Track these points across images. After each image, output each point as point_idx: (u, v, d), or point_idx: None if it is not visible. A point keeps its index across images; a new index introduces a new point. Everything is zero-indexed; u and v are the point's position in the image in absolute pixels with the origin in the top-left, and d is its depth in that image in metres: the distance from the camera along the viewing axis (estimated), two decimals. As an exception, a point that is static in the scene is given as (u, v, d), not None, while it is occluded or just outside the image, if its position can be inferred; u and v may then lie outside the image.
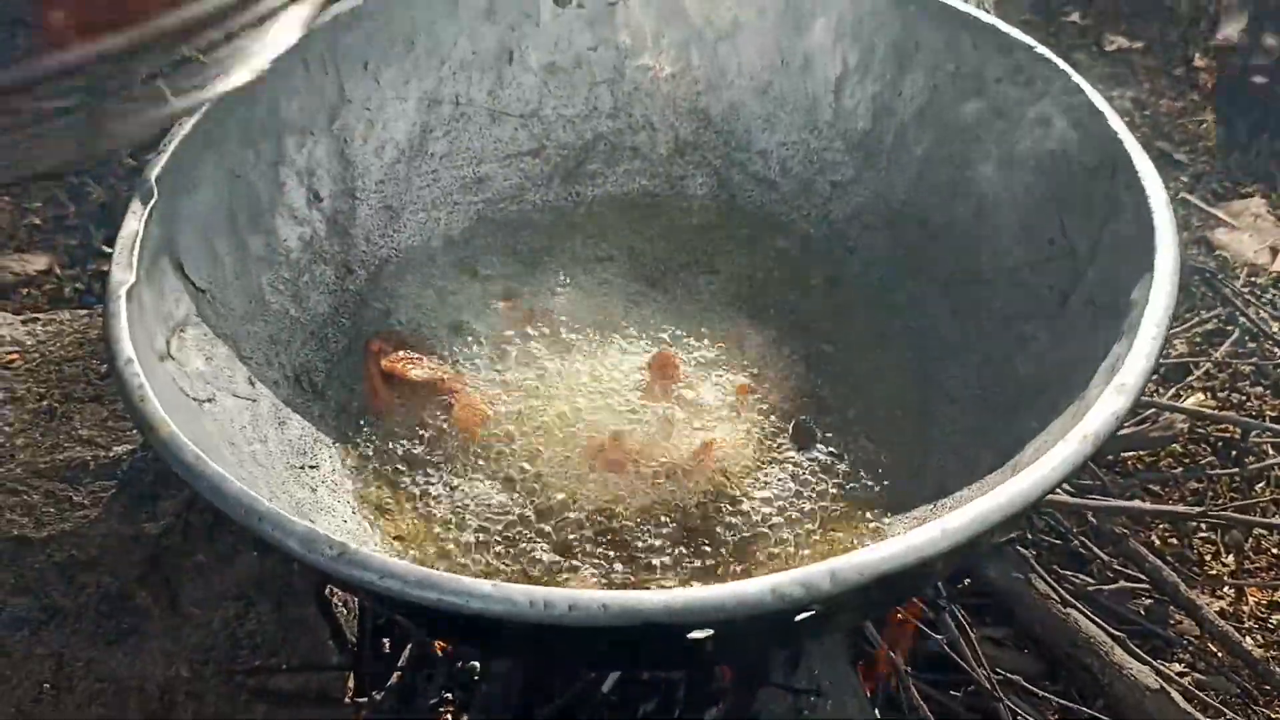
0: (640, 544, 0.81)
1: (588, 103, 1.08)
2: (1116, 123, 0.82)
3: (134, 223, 0.77)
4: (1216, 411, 1.19)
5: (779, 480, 0.85)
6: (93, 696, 0.86)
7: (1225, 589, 1.11)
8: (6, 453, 0.83)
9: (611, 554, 0.80)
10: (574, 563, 0.80)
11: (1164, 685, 0.95)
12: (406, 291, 0.99)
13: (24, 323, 0.93)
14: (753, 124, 1.07)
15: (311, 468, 0.85)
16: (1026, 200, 0.91)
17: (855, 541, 0.81)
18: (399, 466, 0.86)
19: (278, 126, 0.93)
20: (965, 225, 0.96)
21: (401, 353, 0.91)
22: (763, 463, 0.86)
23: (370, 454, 0.87)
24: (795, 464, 0.86)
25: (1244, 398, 1.26)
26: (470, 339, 0.95)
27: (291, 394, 0.88)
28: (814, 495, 0.85)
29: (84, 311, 0.95)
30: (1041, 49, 0.90)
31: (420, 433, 0.88)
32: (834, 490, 0.85)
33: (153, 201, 0.78)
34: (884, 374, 0.95)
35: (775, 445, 0.88)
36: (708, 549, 0.81)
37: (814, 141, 1.06)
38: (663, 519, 0.82)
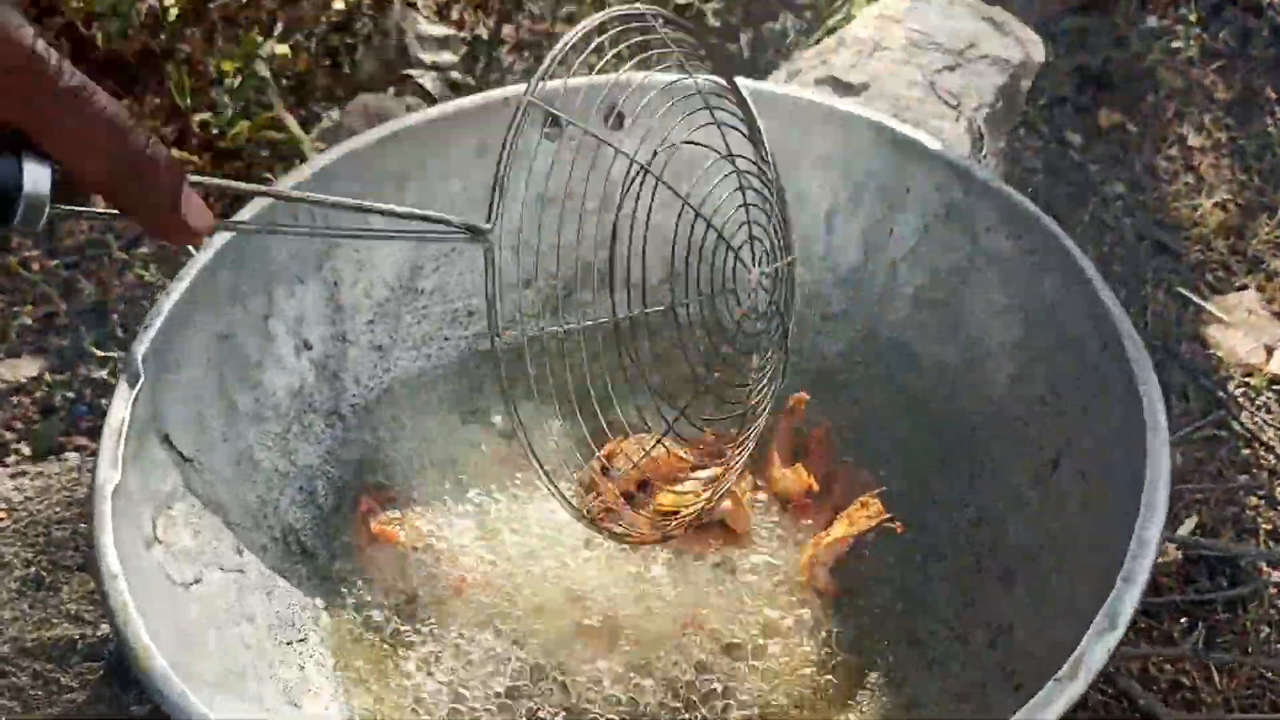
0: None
1: (579, 233, 1.07)
2: (1107, 295, 0.82)
3: (121, 409, 0.76)
4: (1208, 540, 1.19)
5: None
6: None
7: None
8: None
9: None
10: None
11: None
12: (396, 435, 0.99)
13: (11, 477, 0.92)
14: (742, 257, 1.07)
15: (300, 641, 0.84)
16: (1017, 354, 0.91)
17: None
18: (384, 638, 0.85)
19: (267, 278, 0.92)
20: (957, 369, 0.96)
21: (389, 513, 0.91)
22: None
23: (358, 621, 0.86)
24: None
25: (1239, 509, 1.26)
26: (460, 488, 0.94)
27: (280, 559, 0.88)
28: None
29: (73, 463, 0.95)
30: (1027, 204, 0.89)
31: (407, 598, 0.87)
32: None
33: (140, 384, 0.78)
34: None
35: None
36: None
37: (805, 275, 1.05)
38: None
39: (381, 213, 0.70)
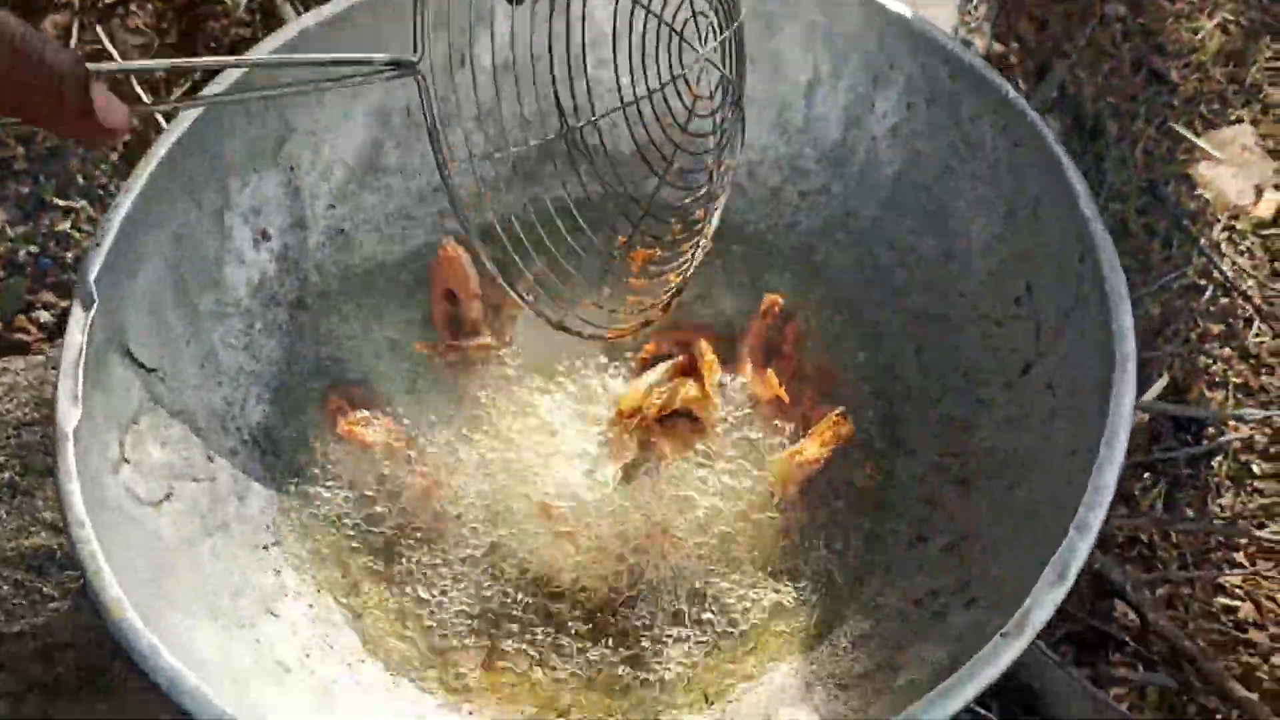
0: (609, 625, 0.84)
1: (546, 101, 1.02)
2: (1089, 207, 0.79)
3: (77, 335, 0.75)
4: (1174, 406, 1.19)
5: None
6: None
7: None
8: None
9: (560, 640, 0.83)
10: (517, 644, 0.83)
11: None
12: (364, 325, 0.97)
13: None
14: (720, 124, 1.02)
15: (275, 544, 0.86)
16: (996, 251, 0.89)
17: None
18: (355, 540, 0.87)
19: (221, 172, 0.88)
20: (934, 259, 0.94)
21: (358, 413, 0.90)
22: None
23: (329, 523, 0.87)
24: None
25: (1210, 361, 1.27)
26: (431, 384, 0.94)
27: (249, 461, 0.88)
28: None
29: (38, 361, 0.94)
30: (1015, 97, 0.85)
31: (377, 498, 0.88)
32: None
33: (94, 307, 0.76)
34: (844, 404, 0.94)
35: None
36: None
37: (783, 146, 1.01)
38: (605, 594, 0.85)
39: (306, 64, 0.66)
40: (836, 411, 0.87)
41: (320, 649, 0.81)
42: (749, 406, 0.91)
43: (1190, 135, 1.43)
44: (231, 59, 0.68)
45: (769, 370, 0.91)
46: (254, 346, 0.92)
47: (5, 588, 0.82)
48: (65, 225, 1.30)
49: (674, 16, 0.75)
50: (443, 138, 0.70)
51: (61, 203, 1.31)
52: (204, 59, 0.81)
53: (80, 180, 1.33)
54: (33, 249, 1.28)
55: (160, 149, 0.82)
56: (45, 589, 0.83)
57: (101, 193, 1.32)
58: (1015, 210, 0.87)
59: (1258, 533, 1.17)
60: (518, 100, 0.81)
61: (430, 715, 0.80)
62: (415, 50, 0.67)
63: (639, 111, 0.77)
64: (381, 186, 0.99)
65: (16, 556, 0.83)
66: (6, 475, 0.86)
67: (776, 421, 0.90)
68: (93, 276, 0.77)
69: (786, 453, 0.87)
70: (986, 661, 0.62)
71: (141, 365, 0.82)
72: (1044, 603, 0.64)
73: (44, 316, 1.25)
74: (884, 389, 0.94)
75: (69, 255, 1.28)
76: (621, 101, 0.77)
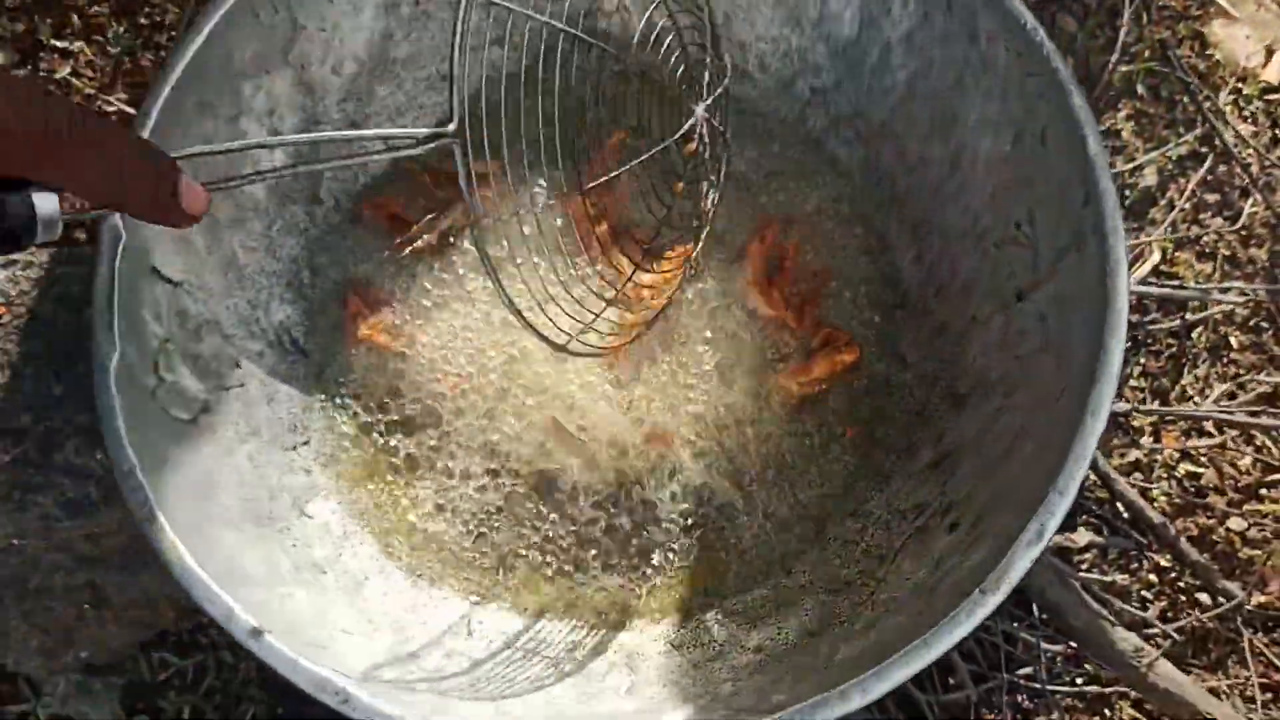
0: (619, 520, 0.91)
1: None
2: (1096, 148, 0.81)
3: (107, 268, 0.77)
4: (1158, 288, 1.22)
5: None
6: (128, 606, 0.99)
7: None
8: (18, 429, 0.89)
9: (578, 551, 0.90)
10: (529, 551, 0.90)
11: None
12: (378, 216, 0.99)
13: (3, 266, 0.93)
14: (733, 12, 1.01)
15: (303, 444, 0.91)
16: (1001, 171, 0.90)
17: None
18: (376, 440, 0.92)
19: (233, 79, 0.88)
20: (940, 170, 0.96)
21: (375, 316, 0.94)
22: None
23: (352, 424, 0.93)
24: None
25: (1203, 231, 1.29)
26: (445, 284, 0.97)
27: (275, 361, 0.92)
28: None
29: (63, 256, 0.95)
30: (1037, 32, 0.84)
31: (394, 396, 0.93)
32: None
33: (122, 240, 0.78)
34: (843, 310, 0.98)
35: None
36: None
37: (796, 39, 1.00)
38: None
39: (348, 139, 0.68)
40: (844, 339, 0.91)
41: (351, 547, 0.88)
42: (753, 318, 0.95)
43: (1209, -13, 1.39)
44: (289, 138, 0.70)
45: (773, 290, 0.94)
46: (273, 246, 0.94)
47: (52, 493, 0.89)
48: (65, 70, 1.28)
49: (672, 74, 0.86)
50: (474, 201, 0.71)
51: (60, 44, 1.29)
52: (266, 139, 0.84)
53: (77, 21, 1.30)
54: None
55: (172, 72, 0.82)
56: (90, 489, 0.89)
57: (100, 38, 1.29)
58: (1023, 135, 0.88)
59: (1227, 409, 1.24)
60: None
61: (456, 608, 0.88)
62: (451, 117, 0.68)
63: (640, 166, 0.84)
64: (391, 77, 0.99)
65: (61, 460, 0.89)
66: (42, 374, 0.90)
67: (781, 337, 0.95)
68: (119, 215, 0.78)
69: (790, 370, 0.92)
70: (967, 614, 0.69)
71: (168, 280, 0.85)
72: (1021, 562, 0.70)
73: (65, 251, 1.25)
74: (881, 295, 0.98)
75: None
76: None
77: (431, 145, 0.68)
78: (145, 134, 0.80)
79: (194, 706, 1.07)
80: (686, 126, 0.84)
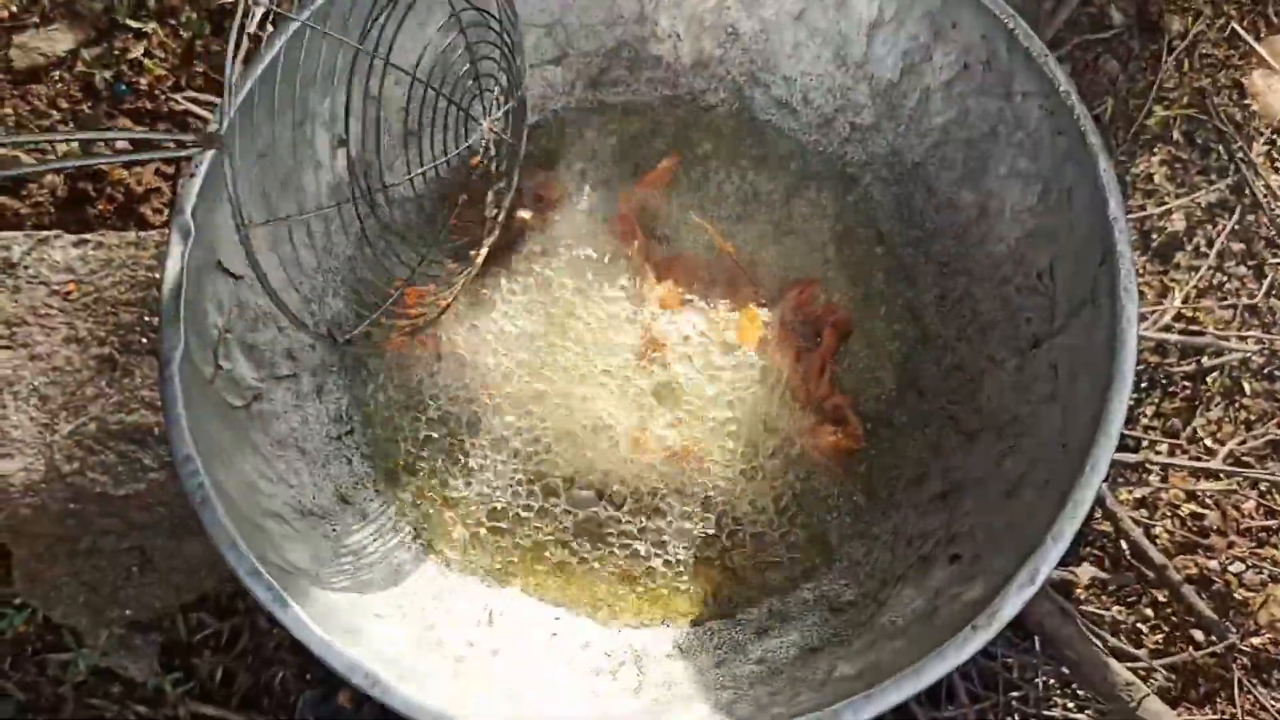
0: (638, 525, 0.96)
1: (611, 11, 1.05)
2: (1117, 212, 0.84)
3: (177, 263, 0.83)
4: (1174, 337, 1.26)
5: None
6: (172, 571, 1.05)
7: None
8: (79, 403, 0.95)
9: (598, 543, 0.95)
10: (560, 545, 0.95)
11: None
12: (429, 216, 1.04)
13: (75, 245, 0.99)
14: (781, 47, 1.05)
15: (348, 434, 0.97)
16: (1026, 222, 0.95)
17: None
18: (416, 428, 0.98)
19: (302, 89, 0.93)
20: (969, 214, 1.00)
21: (421, 310, 0.99)
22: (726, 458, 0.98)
23: (393, 417, 0.98)
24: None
25: (1225, 279, 1.32)
26: (489, 287, 1.02)
27: (326, 353, 0.98)
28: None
29: (131, 238, 1.01)
30: (1070, 96, 0.88)
31: (433, 393, 0.98)
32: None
33: (190, 238, 0.83)
34: (870, 333, 1.03)
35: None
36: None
37: (840, 77, 1.04)
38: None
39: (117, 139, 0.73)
40: (851, 424, 0.96)
41: (387, 536, 0.94)
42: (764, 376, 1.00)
43: (1250, 39, 1.42)
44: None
45: (800, 362, 0.99)
46: (330, 244, 0.99)
47: (112, 456, 0.94)
48: (138, 51, 1.34)
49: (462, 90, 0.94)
50: (238, 203, 0.76)
51: (134, 24, 1.34)
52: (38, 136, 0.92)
53: (153, 3, 1.35)
54: (108, 75, 1.33)
55: (247, 82, 0.87)
56: (145, 460, 0.95)
57: (173, 20, 1.35)
58: (1049, 190, 0.92)
59: (1238, 452, 1.27)
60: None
61: (479, 598, 0.93)
62: (220, 126, 0.73)
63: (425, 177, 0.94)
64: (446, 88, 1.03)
65: (120, 431, 0.94)
66: (107, 350, 0.96)
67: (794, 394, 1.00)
68: (190, 208, 0.84)
69: (798, 429, 0.97)
70: (957, 648, 0.74)
71: (231, 274, 0.90)
72: (1013, 602, 0.75)
73: (119, 143, 1.31)
74: (903, 331, 1.02)
75: (143, 82, 1.33)
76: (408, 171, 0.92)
77: (197, 150, 0.74)
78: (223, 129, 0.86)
79: (227, 667, 1.14)
80: (470, 141, 0.92)
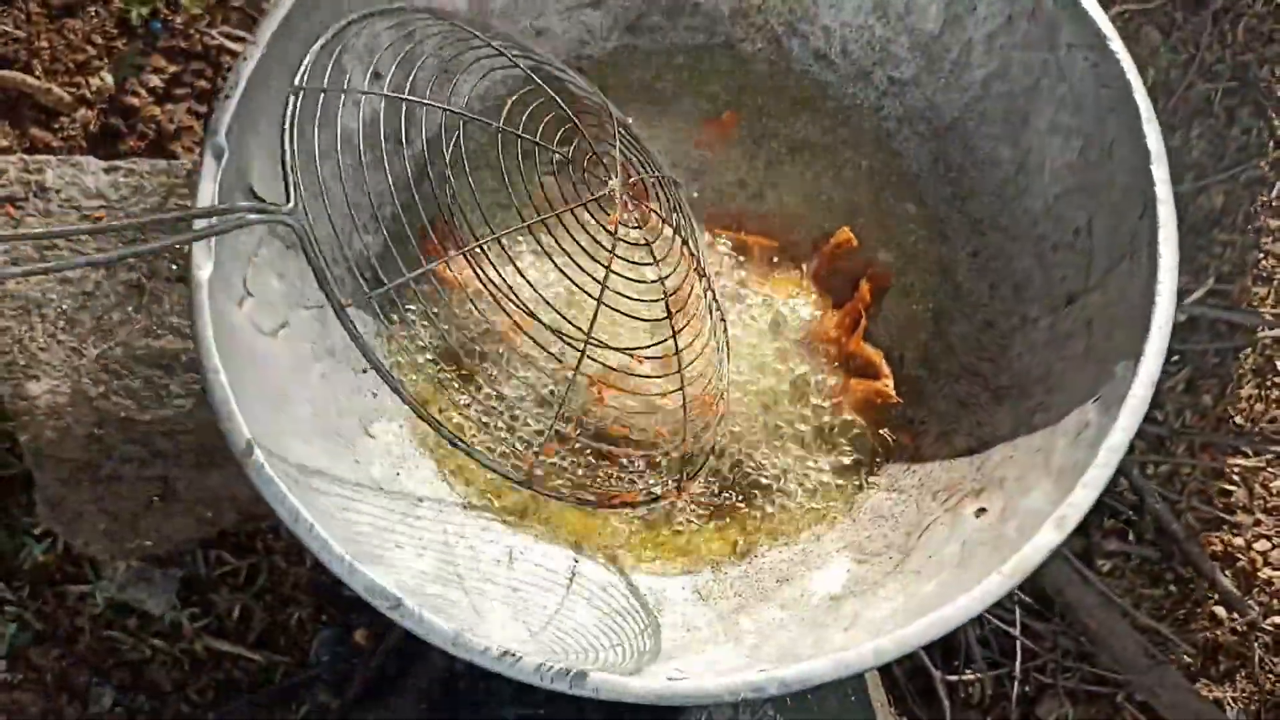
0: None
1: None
2: (1160, 171, 0.83)
3: (210, 184, 0.82)
4: (1212, 311, 1.24)
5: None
6: (194, 503, 1.05)
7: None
8: (106, 327, 0.95)
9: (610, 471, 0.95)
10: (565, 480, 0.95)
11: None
12: (460, 156, 1.03)
13: (106, 171, 0.99)
14: (821, -3, 1.04)
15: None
16: (1066, 179, 0.93)
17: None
18: (441, 364, 0.97)
19: (338, 17, 0.92)
20: (1007, 170, 0.98)
21: (452, 253, 0.98)
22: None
23: (420, 345, 0.98)
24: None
25: (1262, 254, 1.31)
26: (515, 220, 1.01)
27: (354, 287, 0.97)
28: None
29: (161, 166, 1.01)
30: (1117, 47, 0.87)
31: (460, 332, 0.98)
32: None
33: (224, 158, 0.83)
34: (902, 289, 1.02)
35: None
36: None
37: (880, 29, 1.03)
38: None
39: (188, 216, 0.73)
40: (884, 379, 0.95)
41: (409, 469, 0.93)
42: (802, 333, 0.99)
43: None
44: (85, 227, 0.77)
45: (834, 315, 0.98)
46: (361, 179, 0.99)
47: (138, 382, 0.94)
48: (177, -12, 1.33)
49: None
50: (330, 278, 0.75)
51: (173, -46, 1.34)
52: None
53: (189, -57, 1.35)
54: (144, 11, 1.32)
55: (280, 9, 0.86)
56: (172, 386, 0.95)
57: (209, -39, 1.34)
58: (1090, 145, 0.91)
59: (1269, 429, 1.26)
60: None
61: (500, 537, 0.93)
62: (287, 199, 0.72)
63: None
64: (487, 27, 1.03)
65: (147, 356, 0.94)
66: (135, 276, 0.96)
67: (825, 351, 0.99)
68: (224, 130, 0.83)
69: (828, 389, 0.96)
70: (985, 594, 0.73)
71: (262, 200, 0.90)
72: (1040, 551, 0.74)
73: (154, 81, 1.31)
74: (935, 287, 1.01)
75: (178, 20, 1.33)
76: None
77: (267, 218, 0.73)
78: (251, 66, 0.85)
79: (244, 605, 1.14)
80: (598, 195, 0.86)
